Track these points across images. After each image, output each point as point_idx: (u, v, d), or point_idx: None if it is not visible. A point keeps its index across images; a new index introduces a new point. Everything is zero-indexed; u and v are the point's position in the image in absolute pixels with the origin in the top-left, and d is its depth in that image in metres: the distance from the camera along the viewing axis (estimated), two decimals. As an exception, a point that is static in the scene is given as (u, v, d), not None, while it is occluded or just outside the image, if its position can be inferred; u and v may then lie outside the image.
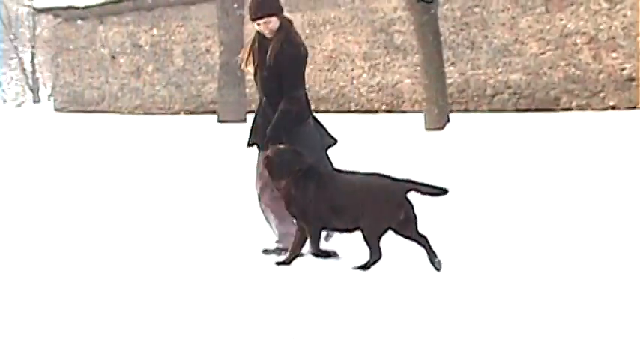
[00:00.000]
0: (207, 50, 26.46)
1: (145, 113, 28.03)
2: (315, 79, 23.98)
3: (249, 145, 6.56)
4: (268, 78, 6.46)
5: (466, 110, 20.27)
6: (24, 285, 5.75)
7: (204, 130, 19.22)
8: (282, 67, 6.39)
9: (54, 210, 8.83)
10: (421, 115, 16.71)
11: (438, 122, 15.91)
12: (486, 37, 20.34)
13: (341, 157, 12.47)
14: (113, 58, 29.58)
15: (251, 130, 6.61)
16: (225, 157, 13.11)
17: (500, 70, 20.04)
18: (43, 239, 7.32)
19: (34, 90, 53.39)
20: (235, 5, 20.84)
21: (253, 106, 24.85)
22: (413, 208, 5.89)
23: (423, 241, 5.91)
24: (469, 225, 7.38)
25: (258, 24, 6.44)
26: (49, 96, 52.28)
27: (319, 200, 6.00)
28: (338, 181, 6.11)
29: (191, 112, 26.65)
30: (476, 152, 12.61)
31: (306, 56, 6.56)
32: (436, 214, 7.16)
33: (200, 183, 10.50)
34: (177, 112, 27.23)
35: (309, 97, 6.75)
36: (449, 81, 18.28)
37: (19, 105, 46.05)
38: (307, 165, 6.12)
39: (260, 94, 6.58)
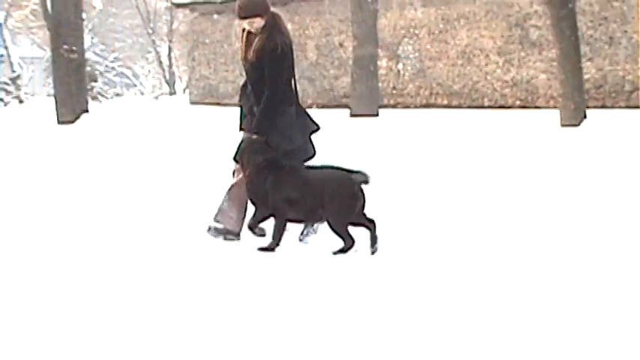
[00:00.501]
0: (341, 44, 26.59)
1: (278, 107, 28.33)
2: (448, 74, 23.85)
3: (240, 129, 7.04)
4: (251, 70, 6.95)
5: (603, 107, 19.86)
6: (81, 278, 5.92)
7: (337, 124, 19.35)
8: (263, 62, 6.83)
9: (184, 195, 9.05)
10: (556, 112, 16.46)
11: (573, 118, 15.65)
12: (626, 31, 19.88)
13: (473, 153, 12.42)
14: (248, 52, 30.01)
15: (240, 116, 7.09)
16: (358, 150, 13.19)
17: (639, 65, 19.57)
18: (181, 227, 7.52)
19: (170, 83, 54.63)
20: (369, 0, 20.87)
21: (385, 101, 24.96)
22: (364, 197, 6.48)
23: (371, 226, 6.47)
24: (597, 226, 7.26)
25: (245, 22, 6.91)
26: (185, 89, 53.45)
27: (275, 191, 6.56)
28: (296, 175, 6.63)
29: (323, 106, 26.84)
30: (613, 150, 12.37)
31: (286, 52, 6.85)
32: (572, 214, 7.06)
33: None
34: (309, 106, 27.46)
35: (298, 89, 7.13)
36: (585, 77, 17.92)
37: (156, 97, 47.15)
38: (270, 158, 6.65)
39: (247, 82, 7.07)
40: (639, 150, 12.12)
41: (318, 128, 7.16)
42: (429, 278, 5.54)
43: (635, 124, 15.74)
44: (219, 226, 7.00)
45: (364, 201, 6.48)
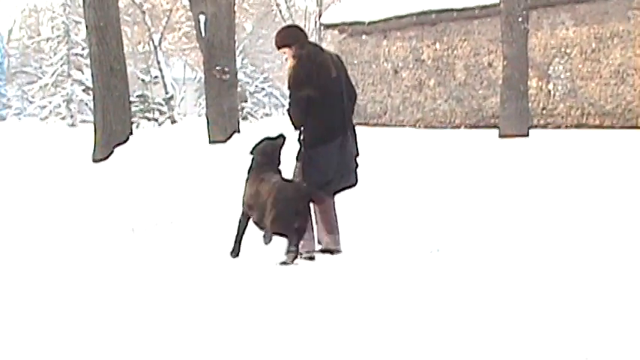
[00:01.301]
0: (490, 64, 26.43)
1: (426, 127, 28.37)
2: (601, 93, 23.41)
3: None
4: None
5: None
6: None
7: (486, 145, 19.22)
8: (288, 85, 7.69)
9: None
10: None
11: None
12: None
13: (626, 177, 12.15)
14: (396, 72, 30.17)
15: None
16: (507, 171, 13.08)
17: None
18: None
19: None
20: (520, 19, 20.69)
21: (535, 121, 24.67)
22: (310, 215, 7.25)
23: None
24: None
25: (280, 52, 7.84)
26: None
27: (246, 194, 7.38)
28: (261, 182, 7.26)
29: (472, 127, 26.70)
30: None
31: (304, 83, 7.49)
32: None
33: (478, 197, 10.55)
34: (457, 126, 27.38)
35: (349, 117, 7.79)
36: None
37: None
38: (258, 162, 7.44)
39: None
40: None
41: (357, 154, 7.77)
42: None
43: None
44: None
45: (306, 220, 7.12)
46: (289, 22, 55.53)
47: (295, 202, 6.93)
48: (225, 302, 5.51)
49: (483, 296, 5.67)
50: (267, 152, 7.52)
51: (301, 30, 7.85)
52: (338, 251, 7.37)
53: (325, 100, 7.40)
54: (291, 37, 7.65)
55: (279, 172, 7.56)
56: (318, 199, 7.22)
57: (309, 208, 7.14)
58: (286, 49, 7.60)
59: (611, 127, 23.11)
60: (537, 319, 5.04)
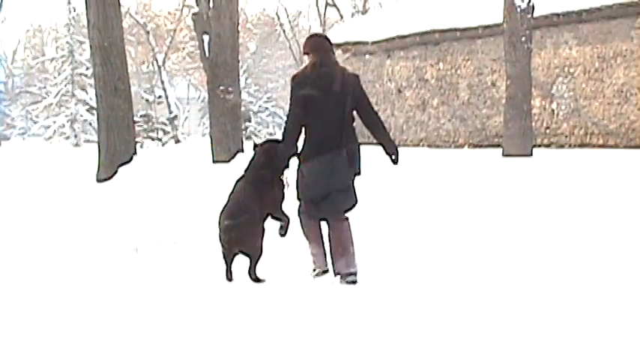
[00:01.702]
0: (493, 84, 26.48)
1: (430, 146, 28.39)
2: (604, 112, 23.44)
3: None
4: None
5: None
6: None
7: (489, 164, 19.22)
8: None
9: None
10: None
11: None
12: None
13: (630, 198, 12.14)
14: (399, 91, 30.22)
15: None
16: (511, 190, 13.07)
17: None
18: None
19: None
20: (523, 38, 20.73)
21: (539, 140, 24.61)
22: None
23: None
24: None
25: None
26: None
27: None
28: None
29: (475, 146, 26.73)
30: None
31: (298, 96, 7.77)
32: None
33: (482, 216, 10.54)
34: (461, 146, 27.40)
35: (345, 133, 7.77)
36: None
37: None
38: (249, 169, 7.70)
39: None
40: None
41: (358, 173, 7.72)
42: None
43: None
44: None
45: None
46: (292, 41, 55.67)
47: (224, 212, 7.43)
48: (226, 324, 5.51)
49: (488, 315, 5.66)
50: (268, 153, 7.55)
51: (326, 39, 7.79)
52: (349, 274, 7.09)
53: (318, 114, 7.36)
54: (311, 45, 7.76)
55: (280, 173, 7.53)
56: (332, 221, 7.22)
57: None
58: (306, 56, 7.77)
59: (615, 146, 23.12)
60: (545, 338, 5.03)
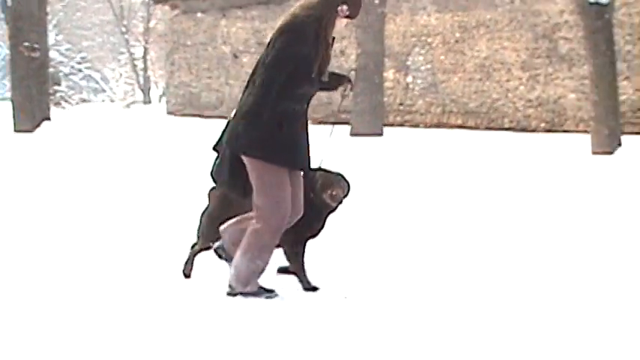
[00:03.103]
0: (342, 52, 26.70)
1: (268, 121, 28.43)
2: (464, 89, 23.96)
3: None
4: None
5: (641, 133, 19.96)
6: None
7: (335, 144, 19.35)
8: None
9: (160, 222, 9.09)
10: (587, 137, 16.53)
11: (607, 145, 15.71)
12: (670, 48, 20.01)
13: (490, 181, 12.45)
14: (235, 56, 30.16)
15: None
16: (358, 175, 13.22)
17: None
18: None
19: (145, 90, 54.76)
20: (376, 1, 20.96)
21: (391, 118, 24.85)
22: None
23: None
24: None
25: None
26: (161, 97, 53.59)
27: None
28: None
29: (320, 122, 26.88)
30: (650, 183, 12.41)
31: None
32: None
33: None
34: (303, 121, 27.54)
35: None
36: (622, 98, 17.98)
37: (128, 106, 47.25)
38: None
39: None
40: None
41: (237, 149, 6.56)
42: (430, 302, 5.58)
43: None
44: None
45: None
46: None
47: None
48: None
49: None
50: None
51: None
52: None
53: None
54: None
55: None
56: None
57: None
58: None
59: (475, 127, 23.67)
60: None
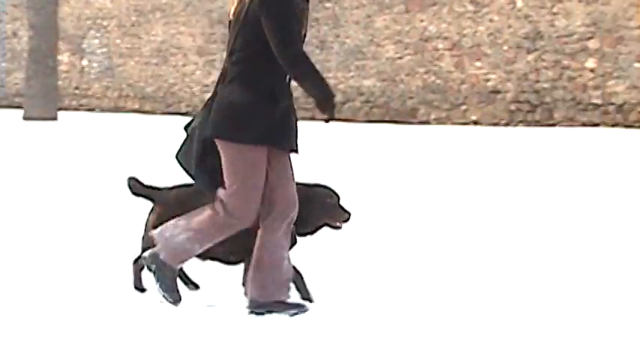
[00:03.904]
0: (15, 34, 26.02)
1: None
2: (141, 74, 23.90)
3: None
4: None
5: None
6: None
7: (7, 128, 18.87)
8: None
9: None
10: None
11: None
12: (338, 36, 20.67)
13: (156, 164, 12.48)
14: None
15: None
16: (31, 160, 12.94)
17: (352, 74, 20.37)
18: None
19: None
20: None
21: (66, 102, 24.38)
22: None
23: None
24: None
25: None
26: None
27: None
28: None
29: (19, 107, 26.10)
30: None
31: None
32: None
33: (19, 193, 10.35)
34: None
35: None
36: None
37: None
38: None
39: None
40: (347, 165, 12.61)
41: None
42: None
43: (344, 137, 16.35)
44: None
45: None
46: None
47: None
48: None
49: None
50: None
51: None
52: None
53: None
54: None
55: None
56: None
57: None
58: None
59: (152, 111, 23.65)
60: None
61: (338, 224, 5.72)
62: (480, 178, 11.56)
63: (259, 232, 5.51)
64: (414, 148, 14.91)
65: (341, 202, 5.74)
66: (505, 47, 18.02)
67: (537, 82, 17.55)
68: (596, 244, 7.77)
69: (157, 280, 5.47)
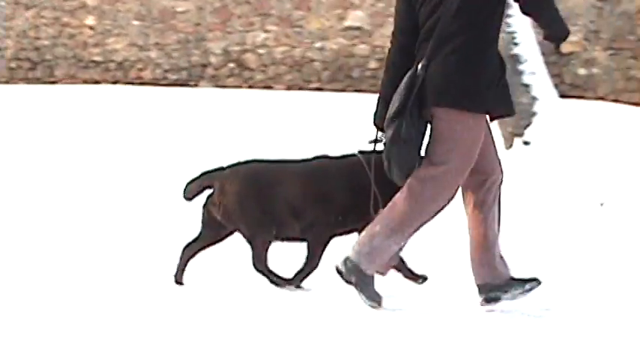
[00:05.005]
0: None
1: None
2: None
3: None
4: None
5: None
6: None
7: None
8: None
9: None
10: None
11: None
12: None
13: None
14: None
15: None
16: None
17: None
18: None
19: None
20: None
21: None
22: None
23: None
24: None
25: None
26: None
27: None
28: None
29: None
30: None
31: None
32: None
33: None
34: None
35: None
36: None
37: None
38: None
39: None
40: None
41: None
42: None
43: None
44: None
45: None
46: None
47: None
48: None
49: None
50: None
51: None
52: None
53: None
54: None
55: None
56: None
57: None
58: None
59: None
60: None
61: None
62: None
63: (472, 209, 5.47)
64: None
65: None
66: (3, 3, 17.85)
67: (37, 39, 17.62)
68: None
69: (360, 292, 5.47)
